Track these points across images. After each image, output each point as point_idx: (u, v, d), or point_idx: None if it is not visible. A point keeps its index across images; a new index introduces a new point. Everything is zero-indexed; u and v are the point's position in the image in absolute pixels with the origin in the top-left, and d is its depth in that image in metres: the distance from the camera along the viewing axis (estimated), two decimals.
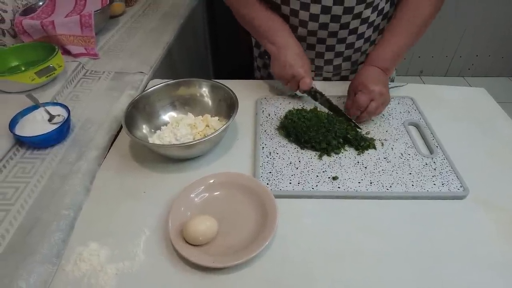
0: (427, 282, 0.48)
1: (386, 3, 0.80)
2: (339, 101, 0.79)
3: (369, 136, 0.70)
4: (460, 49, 2.48)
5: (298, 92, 0.80)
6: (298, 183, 0.60)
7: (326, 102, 0.76)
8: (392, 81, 0.98)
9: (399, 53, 0.75)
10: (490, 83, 2.54)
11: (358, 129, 0.70)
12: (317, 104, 0.78)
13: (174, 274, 0.49)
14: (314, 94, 0.77)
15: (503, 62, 2.54)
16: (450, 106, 0.81)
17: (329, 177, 0.61)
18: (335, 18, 0.77)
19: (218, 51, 1.94)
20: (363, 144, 0.66)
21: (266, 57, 0.86)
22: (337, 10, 0.75)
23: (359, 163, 0.64)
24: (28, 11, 1.01)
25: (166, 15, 1.25)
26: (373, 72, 0.73)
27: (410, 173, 0.62)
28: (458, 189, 0.59)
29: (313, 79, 0.77)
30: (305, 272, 0.49)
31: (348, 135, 0.67)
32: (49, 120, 0.68)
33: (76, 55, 0.94)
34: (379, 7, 0.79)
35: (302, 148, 0.67)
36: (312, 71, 0.92)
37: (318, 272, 0.49)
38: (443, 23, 2.29)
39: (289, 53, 0.75)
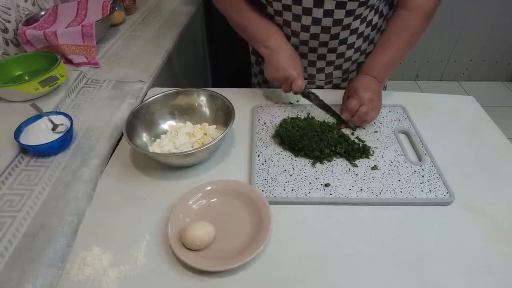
0: (415, 285, 0.51)
1: (374, 15, 0.83)
2: (333, 109, 0.82)
3: (363, 145, 0.71)
4: (454, 54, 2.52)
5: (291, 95, 0.82)
6: (292, 189, 0.63)
7: (319, 102, 0.80)
8: (385, 88, 1.01)
9: (391, 62, 0.79)
10: (484, 88, 2.58)
11: (352, 130, 0.73)
12: (311, 109, 0.81)
13: (173, 278, 0.51)
14: (308, 95, 0.80)
15: (497, 67, 2.58)
16: (439, 114, 0.84)
17: (321, 184, 0.64)
18: (325, 29, 0.80)
19: (217, 58, 1.97)
20: (354, 155, 0.69)
21: (260, 59, 0.88)
22: (327, 22, 0.78)
23: (350, 171, 0.67)
24: (30, 20, 1.04)
25: (165, 23, 1.28)
26: (365, 80, 0.77)
27: (399, 180, 0.65)
28: (445, 195, 0.62)
29: (306, 86, 0.79)
30: (297, 276, 0.51)
31: (337, 149, 0.69)
32: (53, 129, 0.70)
33: (77, 64, 0.97)
34: (368, 19, 0.82)
35: (296, 155, 0.70)
36: (305, 79, 0.95)
37: (310, 275, 0.51)
38: (437, 28, 2.33)
39: (282, 56, 0.78)
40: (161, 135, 0.74)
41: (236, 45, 1.63)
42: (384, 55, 0.78)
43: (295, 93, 0.80)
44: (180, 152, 0.66)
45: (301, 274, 0.52)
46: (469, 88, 2.59)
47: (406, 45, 0.79)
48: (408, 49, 0.80)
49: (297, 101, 0.86)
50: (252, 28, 0.82)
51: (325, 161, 0.69)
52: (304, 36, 0.83)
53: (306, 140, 0.69)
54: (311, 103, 0.82)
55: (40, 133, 0.69)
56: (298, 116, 0.79)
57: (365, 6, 0.76)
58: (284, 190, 0.63)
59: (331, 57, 0.88)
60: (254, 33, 0.82)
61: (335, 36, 0.82)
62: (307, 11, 0.77)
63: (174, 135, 0.72)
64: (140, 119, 0.72)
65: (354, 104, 0.73)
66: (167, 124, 0.77)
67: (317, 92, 0.81)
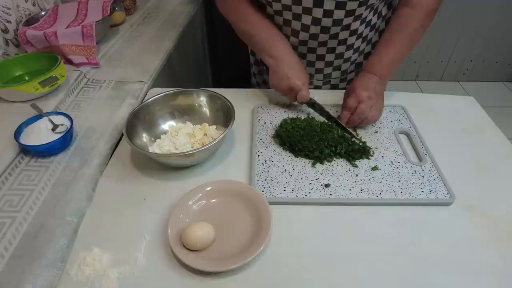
0: (414, 285, 0.50)
1: (373, 15, 0.83)
2: (332, 110, 0.82)
3: (363, 145, 0.71)
4: (455, 54, 2.52)
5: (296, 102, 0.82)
6: (292, 190, 0.63)
7: (324, 112, 0.79)
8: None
9: (394, 60, 0.78)
10: (484, 88, 2.58)
11: (356, 140, 0.72)
12: (315, 114, 0.80)
13: (173, 278, 0.51)
14: (313, 105, 0.80)
15: (497, 67, 2.58)
16: (440, 115, 0.84)
17: (321, 185, 0.64)
18: (325, 30, 0.80)
19: (217, 58, 1.96)
20: (354, 156, 0.69)
21: (264, 68, 0.88)
22: (327, 22, 0.78)
23: (351, 171, 0.67)
24: (31, 21, 1.04)
25: (166, 23, 1.28)
26: (365, 78, 0.77)
27: (400, 181, 0.65)
28: (445, 196, 0.62)
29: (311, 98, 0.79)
30: (298, 276, 0.51)
31: (337, 150, 0.69)
32: (53, 129, 0.70)
33: (78, 65, 0.97)
34: (367, 20, 0.82)
35: (296, 156, 0.70)
36: None
37: (310, 276, 0.51)
38: (438, 28, 2.33)
39: (287, 65, 0.78)
40: (161, 136, 0.74)
41: (236, 45, 1.64)
42: (387, 53, 0.78)
43: (300, 103, 0.80)
44: (180, 153, 0.66)
45: (301, 275, 0.51)
46: (469, 89, 2.59)
47: (409, 43, 0.79)
48: (411, 47, 0.79)
49: None
50: (259, 37, 0.82)
51: (325, 162, 0.69)
52: (303, 36, 0.83)
53: (306, 141, 0.69)
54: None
55: (40, 133, 0.69)
56: (298, 117, 0.78)
57: (365, 7, 0.76)
58: (284, 190, 0.63)
59: (330, 57, 0.88)
60: (260, 43, 0.82)
61: (334, 36, 0.82)
62: (307, 11, 0.77)
63: (174, 136, 0.72)
64: (140, 120, 0.72)
65: (352, 102, 0.73)
66: (167, 125, 0.77)
67: (314, 93, 0.81)
